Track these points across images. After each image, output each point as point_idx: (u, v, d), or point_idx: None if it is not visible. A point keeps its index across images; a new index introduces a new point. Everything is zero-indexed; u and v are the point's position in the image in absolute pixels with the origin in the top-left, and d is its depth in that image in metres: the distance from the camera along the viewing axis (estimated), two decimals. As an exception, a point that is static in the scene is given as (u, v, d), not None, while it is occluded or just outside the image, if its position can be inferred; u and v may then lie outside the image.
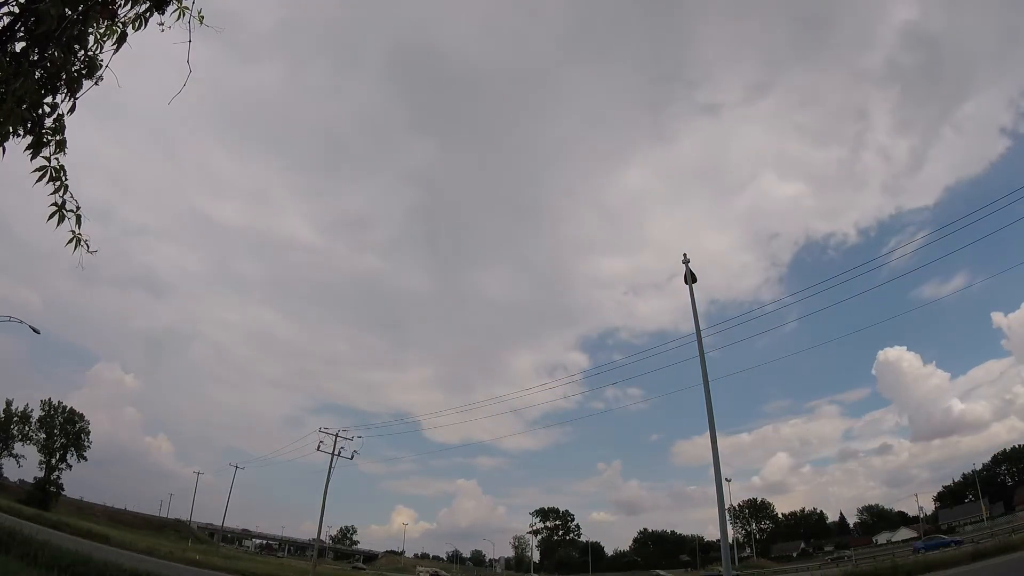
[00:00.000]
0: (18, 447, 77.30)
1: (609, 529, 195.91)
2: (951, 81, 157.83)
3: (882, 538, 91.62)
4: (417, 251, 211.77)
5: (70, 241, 3.91)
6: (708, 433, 19.97)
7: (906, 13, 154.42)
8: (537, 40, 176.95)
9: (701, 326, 21.93)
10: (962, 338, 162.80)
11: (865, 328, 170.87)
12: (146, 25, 4.00)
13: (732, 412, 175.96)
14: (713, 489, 19.28)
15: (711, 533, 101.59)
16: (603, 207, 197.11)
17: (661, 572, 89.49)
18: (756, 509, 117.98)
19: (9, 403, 77.46)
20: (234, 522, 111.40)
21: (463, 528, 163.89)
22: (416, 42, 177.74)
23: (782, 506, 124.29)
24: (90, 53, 3.84)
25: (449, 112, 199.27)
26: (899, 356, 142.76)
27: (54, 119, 3.74)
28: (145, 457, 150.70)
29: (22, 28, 3.47)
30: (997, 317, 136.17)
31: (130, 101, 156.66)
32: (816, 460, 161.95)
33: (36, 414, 78.96)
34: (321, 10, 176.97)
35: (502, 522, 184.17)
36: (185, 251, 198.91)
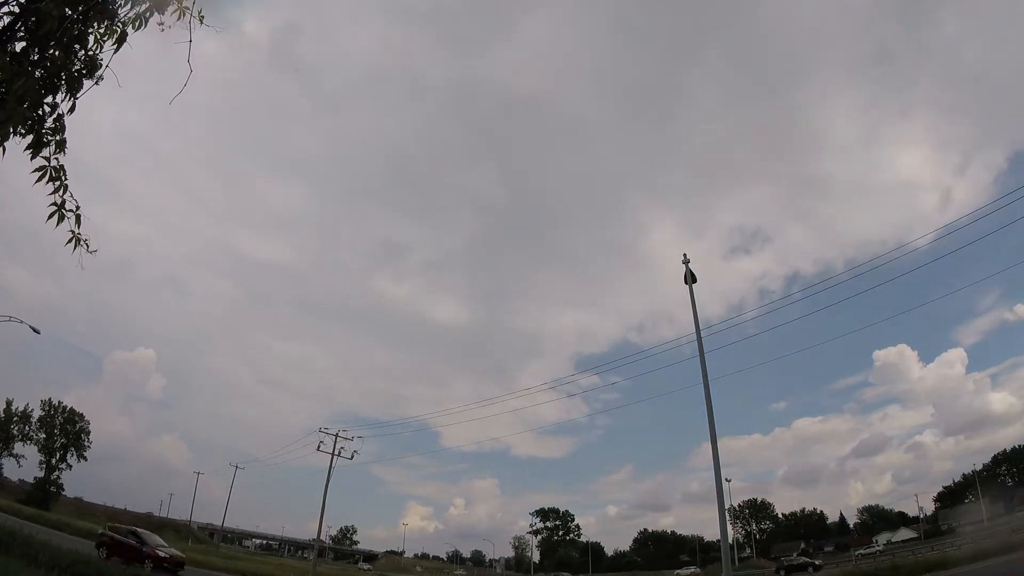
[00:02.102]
0: (18, 447, 77.27)
1: (617, 529, 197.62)
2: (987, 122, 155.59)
3: (882, 539, 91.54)
4: (453, 276, 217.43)
5: (69, 241, 3.91)
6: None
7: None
8: (589, 87, 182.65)
9: (702, 334, 21.97)
10: (983, 335, 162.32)
11: (874, 324, 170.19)
12: (146, 25, 4.00)
13: (749, 413, 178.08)
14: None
15: (712, 533, 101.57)
16: (625, 244, 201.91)
17: (565, 574, 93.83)
18: (756, 509, 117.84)
19: (9, 403, 77.44)
20: (240, 523, 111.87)
21: (474, 530, 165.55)
22: (475, 83, 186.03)
23: (784, 506, 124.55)
24: (90, 53, 3.84)
25: (500, 149, 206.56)
26: (918, 355, 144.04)
27: (54, 119, 3.75)
28: (159, 459, 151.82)
29: (23, 28, 3.48)
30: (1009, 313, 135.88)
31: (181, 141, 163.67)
32: (833, 459, 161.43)
33: (36, 414, 79.05)
34: (393, 55, 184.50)
35: (513, 524, 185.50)
36: (225, 276, 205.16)
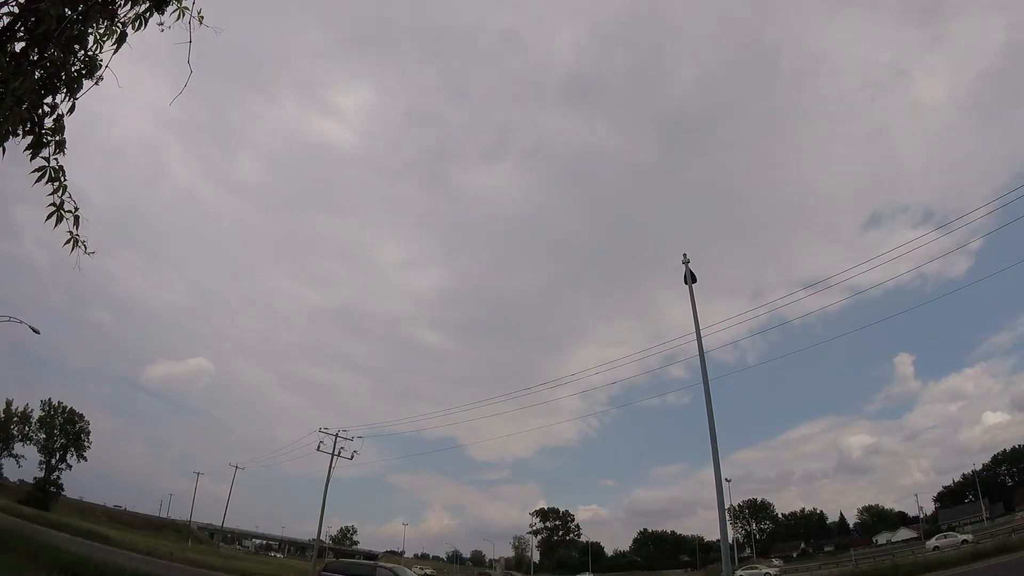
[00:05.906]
0: (18, 447, 77.28)
1: (614, 530, 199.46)
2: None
3: (882, 538, 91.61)
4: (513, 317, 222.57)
5: (67, 242, 3.90)
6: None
7: None
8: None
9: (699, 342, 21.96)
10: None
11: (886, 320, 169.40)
12: (146, 25, 3.99)
13: (764, 418, 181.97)
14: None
15: (712, 534, 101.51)
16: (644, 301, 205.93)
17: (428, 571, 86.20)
18: (756, 509, 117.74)
19: (9, 403, 77.40)
20: (246, 524, 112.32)
21: (492, 531, 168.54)
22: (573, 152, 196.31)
23: (781, 506, 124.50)
24: (90, 53, 3.83)
25: (579, 205, 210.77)
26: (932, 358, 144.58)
27: (54, 119, 3.74)
28: (161, 460, 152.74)
29: (22, 28, 3.47)
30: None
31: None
32: (848, 461, 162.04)
33: (36, 414, 78.99)
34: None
35: (520, 526, 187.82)
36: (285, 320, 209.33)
